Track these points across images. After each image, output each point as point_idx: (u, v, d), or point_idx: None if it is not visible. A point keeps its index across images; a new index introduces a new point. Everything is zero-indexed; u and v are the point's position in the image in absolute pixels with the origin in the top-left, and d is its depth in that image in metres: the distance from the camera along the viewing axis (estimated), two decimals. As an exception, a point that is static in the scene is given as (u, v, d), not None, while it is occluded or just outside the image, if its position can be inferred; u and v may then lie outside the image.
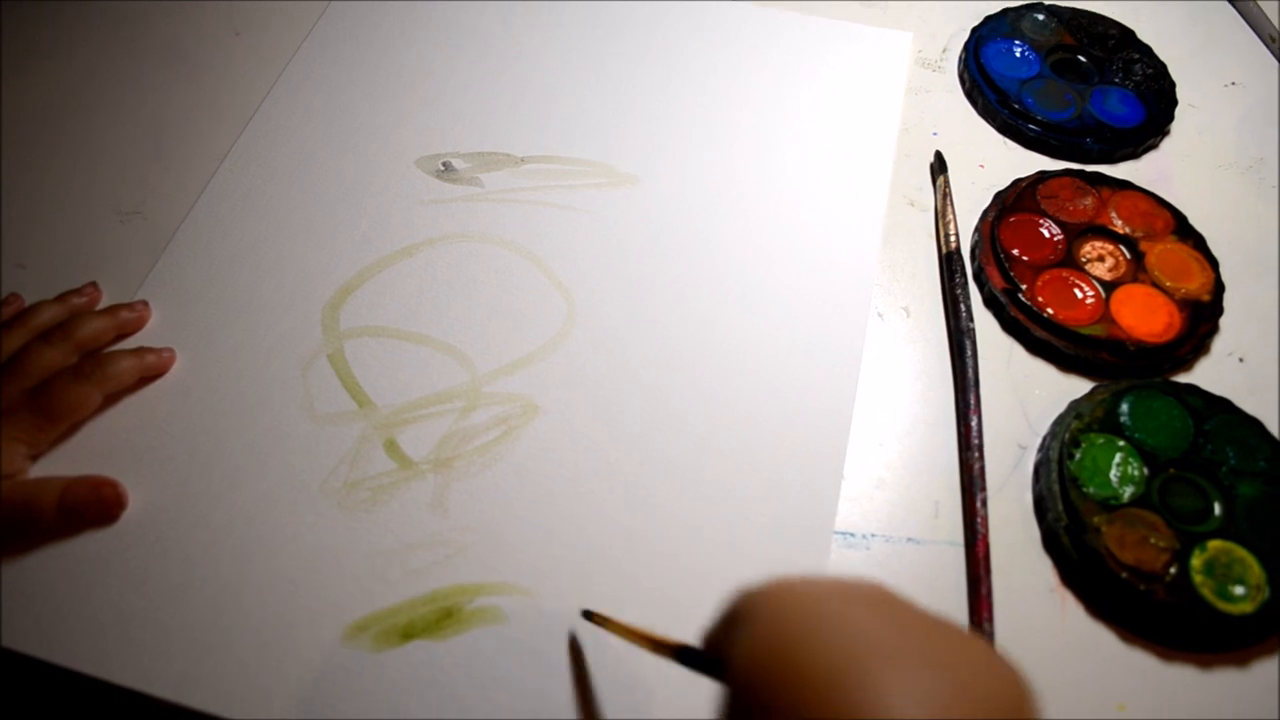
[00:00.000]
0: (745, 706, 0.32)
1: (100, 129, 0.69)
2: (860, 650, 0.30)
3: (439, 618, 0.50)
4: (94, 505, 0.52)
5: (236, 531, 0.52)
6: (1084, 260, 0.63)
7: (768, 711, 0.30)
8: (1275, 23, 0.78)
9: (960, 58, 0.76)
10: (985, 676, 0.31)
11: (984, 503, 0.53)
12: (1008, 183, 0.67)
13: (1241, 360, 0.60)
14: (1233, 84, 0.76)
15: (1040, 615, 0.51)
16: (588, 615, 0.49)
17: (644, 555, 0.52)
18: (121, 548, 0.51)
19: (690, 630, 0.40)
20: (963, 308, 0.60)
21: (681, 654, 0.39)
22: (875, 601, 0.33)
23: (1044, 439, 0.56)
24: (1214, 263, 0.63)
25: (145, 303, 0.59)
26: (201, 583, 0.50)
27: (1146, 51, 0.75)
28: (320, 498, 0.53)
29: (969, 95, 0.73)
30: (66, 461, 0.54)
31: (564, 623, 0.50)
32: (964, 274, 0.62)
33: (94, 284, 0.60)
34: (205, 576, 0.51)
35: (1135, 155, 0.70)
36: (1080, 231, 0.64)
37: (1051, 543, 0.53)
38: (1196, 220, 0.65)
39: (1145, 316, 0.60)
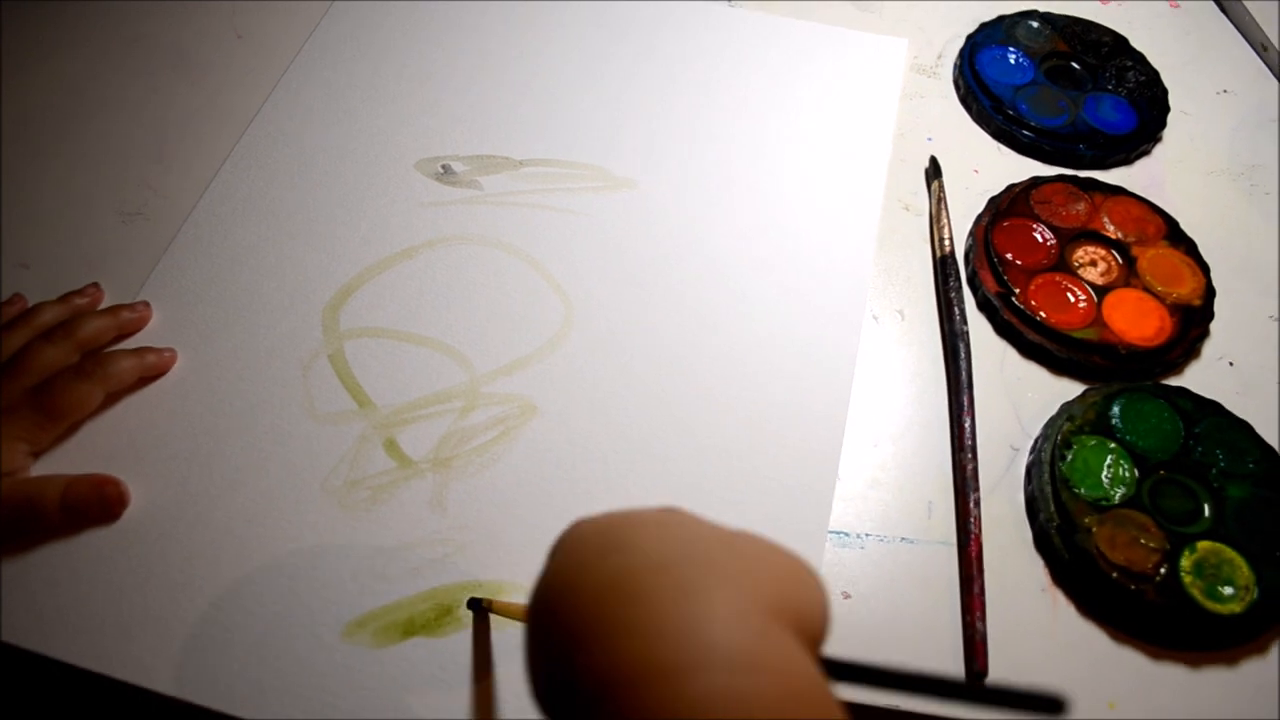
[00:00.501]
0: (536, 640, 0.33)
1: (103, 130, 0.70)
2: (637, 564, 0.32)
3: (438, 615, 0.50)
4: (96, 503, 0.52)
5: (237, 530, 0.53)
6: (1076, 265, 0.63)
7: (548, 636, 0.32)
8: (1266, 31, 0.78)
9: (955, 64, 0.76)
10: (770, 565, 0.33)
11: (977, 503, 0.54)
12: (1001, 188, 0.67)
13: (1231, 364, 0.61)
14: (1224, 91, 0.77)
15: (1032, 615, 0.51)
16: (474, 604, 0.50)
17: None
18: (123, 545, 0.52)
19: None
20: (957, 311, 0.61)
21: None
22: (660, 521, 0.35)
23: (1036, 441, 0.57)
24: (1205, 268, 0.63)
25: (146, 303, 0.60)
26: (202, 580, 0.51)
27: (1139, 59, 0.76)
28: (321, 497, 0.54)
29: (964, 101, 0.74)
30: (68, 460, 0.54)
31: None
32: (958, 278, 0.63)
33: (96, 284, 0.61)
34: (206, 574, 0.51)
35: (1128, 161, 0.71)
36: (1073, 236, 0.64)
37: (1043, 543, 0.53)
38: (1188, 226, 0.65)
39: (1137, 321, 0.61)
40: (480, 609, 0.50)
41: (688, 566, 0.32)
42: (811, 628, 0.33)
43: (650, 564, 0.32)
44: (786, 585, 0.33)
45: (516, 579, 0.52)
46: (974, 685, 0.33)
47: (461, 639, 0.50)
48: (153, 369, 0.57)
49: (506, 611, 0.48)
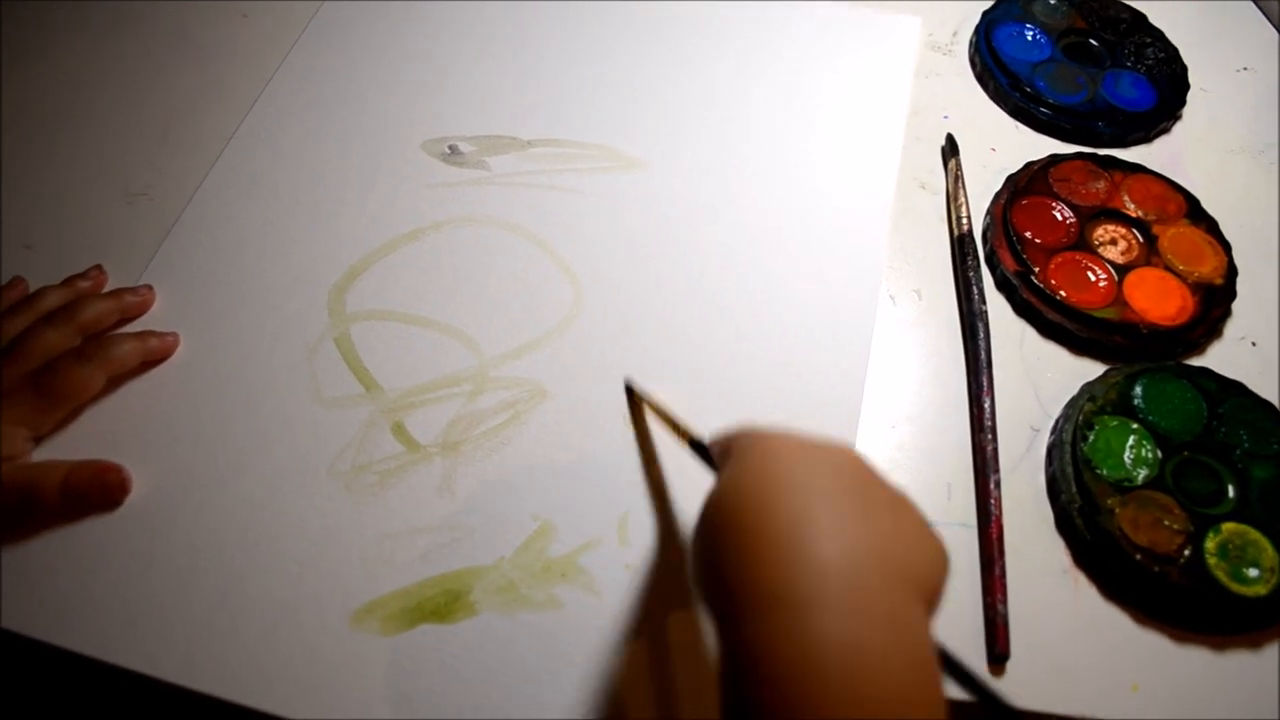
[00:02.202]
0: (701, 543, 0.38)
1: (107, 111, 0.69)
2: (799, 514, 0.36)
3: (447, 601, 0.49)
4: (97, 490, 0.51)
5: (243, 515, 0.52)
6: (1096, 243, 0.62)
7: (709, 551, 0.37)
8: (1287, 7, 0.77)
9: (971, 41, 0.75)
10: (908, 549, 0.37)
11: (997, 484, 0.53)
12: (1019, 166, 0.66)
13: (1254, 344, 0.60)
14: (1244, 69, 0.76)
15: (1054, 597, 0.50)
16: (630, 388, 0.56)
17: (652, 539, 0.51)
18: (127, 531, 0.51)
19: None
20: (975, 290, 0.60)
21: (695, 445, 0.48)
22: (837, 471, 0.38)
23: (1057, 421, 0.56)
24: (1226, 246, 0.62)
25: (149, 286, 0.59)
26: (207, 566, 0.50)
27: (1158, 36, 0.75)
28: (327, 481, 0.53)
29: (980, 79, 0.73)
30: (70, 445, 0.53)
31: (574, 606, 0.49)
32: (976, 257, 0.62)
33: (99, 267, 0.60)
34: (211, 560, 0.50)
35: (1147, 139, 0.70)
36: (1092, 215, 0.63)
37: (1065, 524, 0.52)
38: (1209, 204, 0.64)
39: (1158, 300, 0.59)
40: (632, 395, 0.56)
41: (852, 509, 0.36)
42: (930, 595, 0.37)
43: (818, 497, 0.36)
44: (915, 552, 0.37)
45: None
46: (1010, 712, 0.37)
47: (471, 626, 0.49)
48: (155, 352, 0.57)
49: (655, 410, 0.53)
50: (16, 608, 0.48)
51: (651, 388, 0.55)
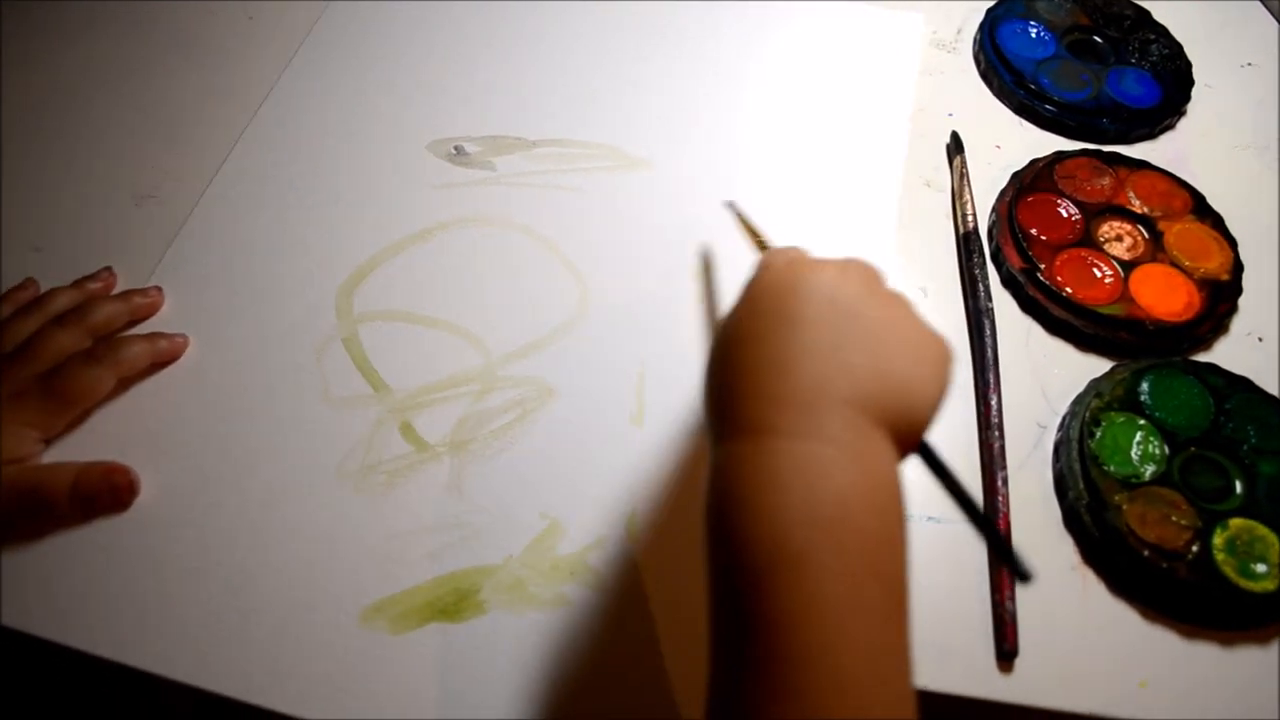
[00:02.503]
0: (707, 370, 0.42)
1: (115, 113, 0.69)
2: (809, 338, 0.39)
3: (457, 600, 0.50)
4: (107, 492, 0.51)
5: (252, 515, 0.52)
6: (1102, 240, 0.62)
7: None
8: (1292, 2, 0.77)
9: (975, 38, 0.75)
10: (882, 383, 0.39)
11: (1004, 481, 0.53)
12: (1024, 163, 0.66)
13: (1261, 340, 0.60)
14: (1249, 65, 0.76)
15: (1062, 594, 0.51)
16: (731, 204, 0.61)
17: (654, 539, 0.52)
18: (137, 532, 0.51)
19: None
20: (981, 287, 0.60)
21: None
22: (832, 298, 0.40)
23: (1064, 418, 0.56)
24: (1232, 242, 0.62)
25: (159, 288, 0.59)
26: (217, 566, 0.50)
27: (1162, 32, 0.75)
28: (336, 481, 0.53)
29: (984, 76, 0.73)
30: (80, 447, 0.54)
31: (582, 605, 0.49)
32: (982, 254, 0.62)
33: (109, 269, 0.60)
34: (221, 560, 0.50)
35: (1152, 136, 0.70)
36: (1098, 211, 0.63)
37: (1072, 521, 0.52)
38: (1214, 200, 0.64)
39: (1164, 296, 0.59)
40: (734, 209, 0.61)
41: (861, 333, 0.39)
42: (905, 423, 0.39)
43: (773, 352, 0.39)
44: (890, 385, 0.39)
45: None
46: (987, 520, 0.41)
47: (480, 625, 0.49)
48: (164, 354, 0.57)
49: (745, 228, 0.59)
50: (28, 608, 0.49)
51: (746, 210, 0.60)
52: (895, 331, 0.41)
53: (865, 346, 0.39)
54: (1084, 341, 0.59)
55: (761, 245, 0.54)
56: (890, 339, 0.40)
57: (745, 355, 0.40)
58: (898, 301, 0.42)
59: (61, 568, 0.50)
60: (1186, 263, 0.61)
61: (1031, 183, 0.64)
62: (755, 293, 0.42)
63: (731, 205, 0.61)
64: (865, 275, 0.43)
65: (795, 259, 0.44)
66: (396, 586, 0.50)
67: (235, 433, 0.55)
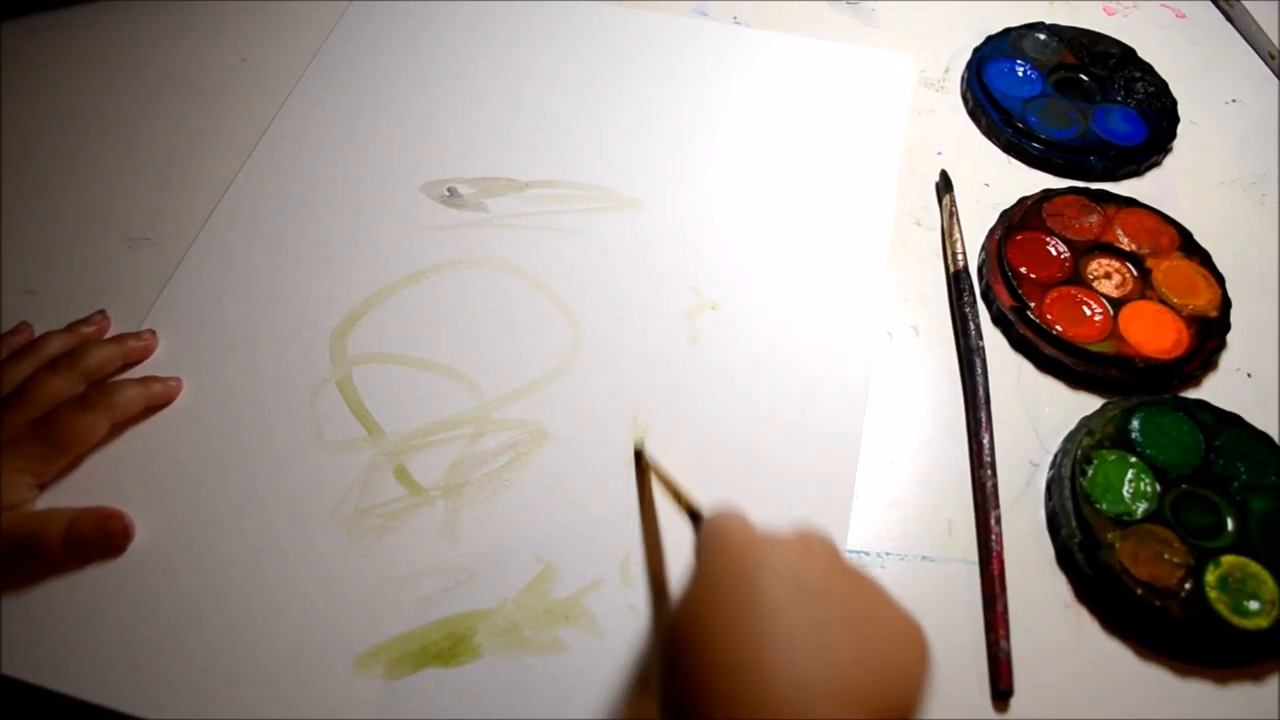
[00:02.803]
0: (669, 662, 0.38)
1: (108, 155, 0.69)
2: (768, 629, 0.35)
3: (452, 644, 0.49)
4: (101, 538, 0.51)
5: (245, 560, 0.52)
6: (1091, 278, 0.63)
7: (676, 675, 0.37)
8: (1274, 40, 0.78)
9: (962, 77, 0.76)
10: (868, 669, 0.35)
11: (998, 520, 0.53)
12: (1013, 201, 0.67)
13: (1250, 375, 0.60)
14: (1233, 101, 0.76)
15: (1056, 632, 0.51)
16: (639, 454, 0.55)
17: (659, 580, 0.52)
18: (130, 577, 0.51)
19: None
20: (972, 326, 0.60)
21: (695, 517, 0.46)
22: (796, 578, 0.37)
23: (1055, 456, 0.56)
24: (1220, 279, 0.63)
25: (152, 331, 0.59)
26: (211, 612, 0.50)
27: (1147, 70, 0.76)
28: (330, 525, 0.53)
29: (972, 115, 0.74)
30: (73, 492, 0.54)
31: (578, 649, 0.49)
32: (972, 292, 0.62)
33: (102, 312, 0.60)
34: (215, 606, 0.50)
35: (1139, 173, 0.70)
36: (1087, 249, 0.64)
37: (1065, 559, 0.53)
38: (1201, 237, 0.65)
39: (1153, 333, 0.60)
40: (640, 459, 0.55)
41: (778, 643, 0.35)
42: (897, 708, 0.35)
43: (744, 647, 0.35)
44: (876, 670, 0.35)
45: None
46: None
47: (475, 669, 0.49)
48: (158, 398, 0.57)
49: (660, 476, 0.53)
50: (19, 654, 0.48)
51: (662, 458, 0.55)
52: (871, 611, 0.38)
53: (843, 631, 0.36)
54: (1074, 379, 0.59)
55: (689, 507, 0.48)
56: (867, 621, 0.37)
57: (710, 654, 0.36)
58: (865, 579, 0.39)
59: (54, 612, 0.50)
60: (1175, 300, 0.61)
61: (1020, 221, 0.65)
62: (710, 578, 0.39)
63: (640, 455, 0.56)
64: (827, 551, 0.40)
65: (748, 537, 0.40)
66: (391, 631, 0.50)
67: (229, 477, 0.55)
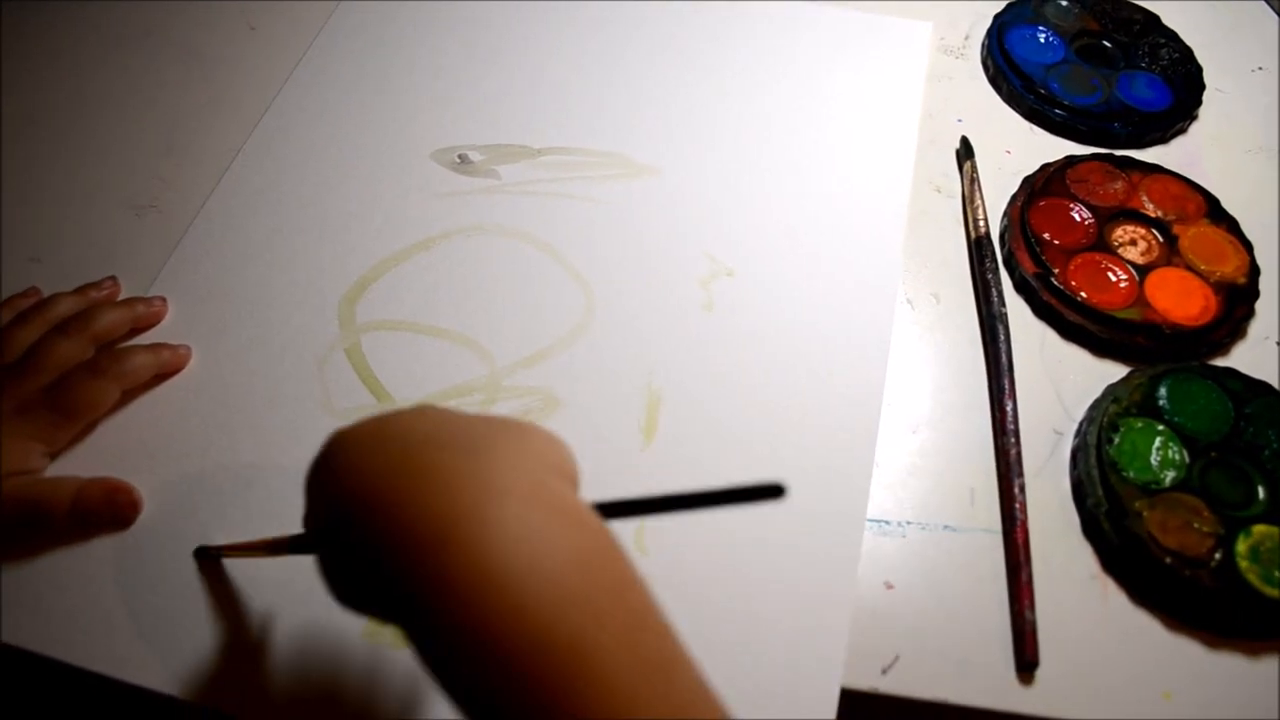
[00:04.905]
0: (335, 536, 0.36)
1: (115, 123, 0.68)
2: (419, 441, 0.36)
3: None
4: (107, 511, 0.50)
5: (253, 528, 0.50)
6: (1116, 244, 0.61)
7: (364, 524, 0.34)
8: (1302, 6, 0.77)
9: (983, 44, 0.75)
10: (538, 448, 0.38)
11: (1022, 489, 0.52)
12: (1035, 168, 0.65)
13: (1279, 344, 0.59)
14: (1259, 69, 0.75)
15: (1082, 603, 0.49)
16: (201, 553, 0.49)
17: (669, 548, 0.51)
18: (138, 545, 0.50)
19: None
20: (994, 293, 0.59)
21: (295, 542, 0.43)
22: (422, 413, 0.38)
23: (1081, 424, 0.55)
24: (1248, 246, 0.62)
25: (162, 298, 0.58)
26: (219, 582, 0.49)
27: (1172, 36, 0.74)
28: (339, 493, 0.52)
29: (993, 81, 0.72)
30: (81, 459, 0.53)
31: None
32: (994, 259, 0.61)
33: (113, 278, 0.59)
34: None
35: (1163, 140, 0.69)
36: (1111, 215, 0.62)
37: (1092, 529, 0.51)
38: (1228, 203, 0.63)
39: (1180, 300, 0.59)
40: (210, 556, 0.49)
41: (463, 439, 0.36)
42: (572, 476, 0.39)
43: (427, 442, 0.36)
44: (545, 444, 0.38)
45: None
46: (702, 494, 0.38)
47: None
48: (168, 365, 0.56)
49: (246, 550, 0.47)
50: (26, 623, 0.48)
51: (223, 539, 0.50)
52: (503, 419, 0.39)
53: (500, 425, 0.38)
54: (1099, 346, 0.58)
55: (274, 545, 0.45)
56: (506, 420, 0.39)
57: (403, 475, 0.35)
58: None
59: (60, 582, 0.49)
60: (1202, 266, 0.60)
61: (1043, 187, 0.64)
62: (349, 447, 0.37)
63: (202, 552, 0.50)
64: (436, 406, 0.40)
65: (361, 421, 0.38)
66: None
67: (236, 444, 0.54)
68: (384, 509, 0.34)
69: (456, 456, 0.35)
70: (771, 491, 0.36)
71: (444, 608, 0.32)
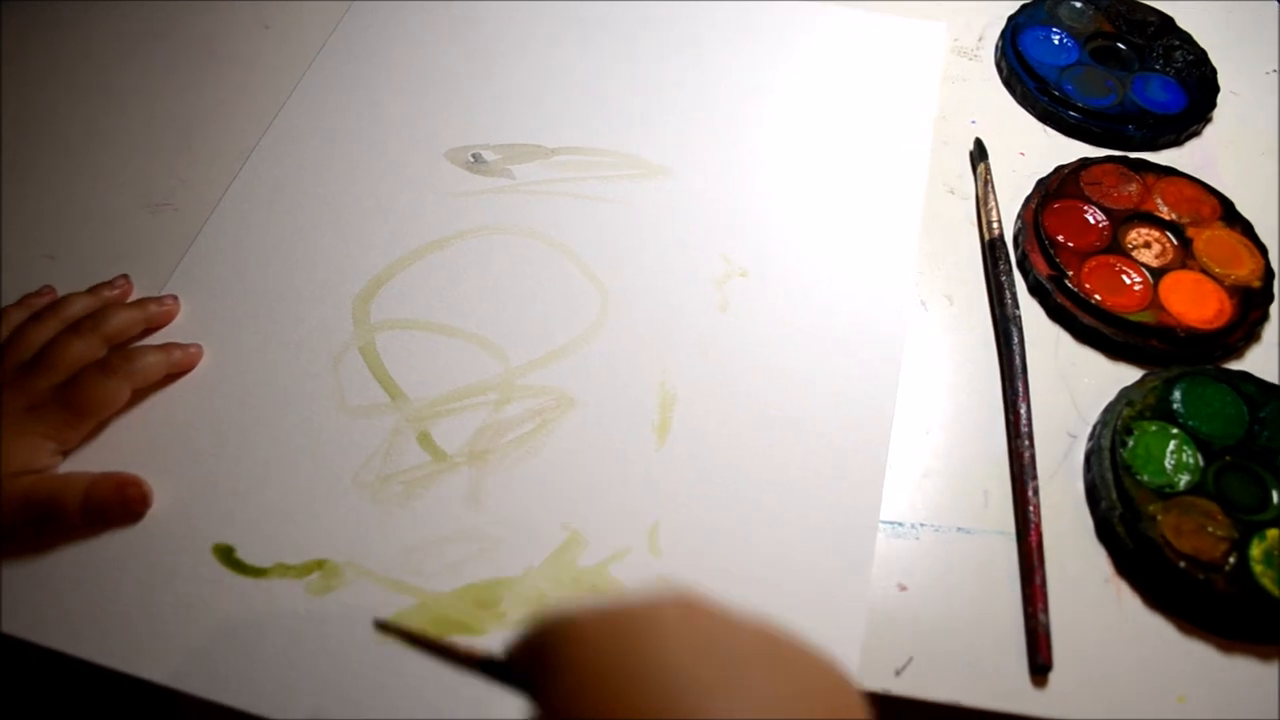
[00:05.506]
0: None
1: (130, 122, 0.68)
2: (682, 686, 0.29)
3: (476, 612, 0.48)
4: (118, 504, 0.51)
5: (267, 526, 0.51)
6: (1130, 247, 0.61)
7: None
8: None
9: (997, 45, 0.74)
10: (807, 681, 0.30)
11: (1036, 491, 0.52)
12: (1049, 170, 0.65)
13: (1294, 349, 0.59)
14: (1273, 71, 0.75)
15: (1096, 606, 0.49)
16: (380, 626, 0.42)
17: (683, 549, 0.51)
18: (151, 543, 0.50)
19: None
20: (1008, 295, 0.59)
21: (486, 666, 0.36)
22: (682, 630, 0.31)
23: (1095, 427, 0.55)
24: (1263, 249, 0.61)
25: (174, 297, 0.59)
26: (232, 578, 0.49)
27: (1186, 38, 0.74)
28: (353, 491, 0.52)
29: (1007, 83, 0.72)
30: (94, 458, 0.53)
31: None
32: (1008, 261, 0.61)
33: (125, 276, 0.59)
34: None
35: (1178, 142, 0.69)
36: (1126, 218, 0.62)
37: (1106, 532, 0.51)
38: (1243, 207, 0.63)
39: (1195, 303, 0.58)
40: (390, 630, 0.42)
41: (717, 696, 0.29)
42: None
43: (686, 699, 0.28)
44: (820, 701, 0.30)
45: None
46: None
47: (500, 638, 0.48)
48: (179, 365, 0.56)
49: (419, 643, 0.40)
50: (40, 619, 0.48)
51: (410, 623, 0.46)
52: (783, 648, 0.31)
53: (763, 668, 0.30)
54: (1113, 349, 0.58)
55: (477, 655, 0.36)
56: (783, 658, 0.31)
57: None
58: (763, 620, 0.32)
59: (74, 578, 0.49)
60: (1217, 270, 0.60)
61: (1057, 189, 0.63)
62: (581, 679, 0.30)
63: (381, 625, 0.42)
64: (709, 601, 0.32)
65: (607, 617, 0.32)
66: (414, 599, 0.49)
67: (250, 442, 0.54)
68: None
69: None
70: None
71: None
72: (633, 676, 0.29)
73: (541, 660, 0.32)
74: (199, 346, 0.57)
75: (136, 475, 0.52)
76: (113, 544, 0.50)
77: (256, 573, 0.50)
